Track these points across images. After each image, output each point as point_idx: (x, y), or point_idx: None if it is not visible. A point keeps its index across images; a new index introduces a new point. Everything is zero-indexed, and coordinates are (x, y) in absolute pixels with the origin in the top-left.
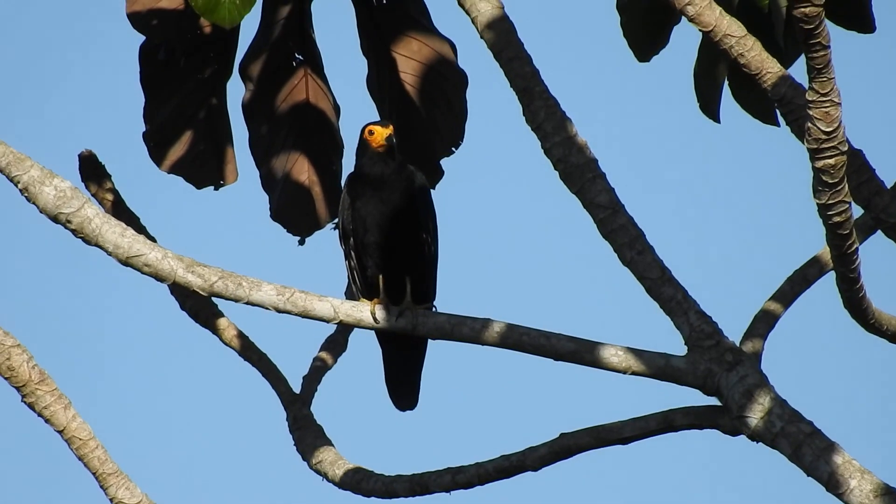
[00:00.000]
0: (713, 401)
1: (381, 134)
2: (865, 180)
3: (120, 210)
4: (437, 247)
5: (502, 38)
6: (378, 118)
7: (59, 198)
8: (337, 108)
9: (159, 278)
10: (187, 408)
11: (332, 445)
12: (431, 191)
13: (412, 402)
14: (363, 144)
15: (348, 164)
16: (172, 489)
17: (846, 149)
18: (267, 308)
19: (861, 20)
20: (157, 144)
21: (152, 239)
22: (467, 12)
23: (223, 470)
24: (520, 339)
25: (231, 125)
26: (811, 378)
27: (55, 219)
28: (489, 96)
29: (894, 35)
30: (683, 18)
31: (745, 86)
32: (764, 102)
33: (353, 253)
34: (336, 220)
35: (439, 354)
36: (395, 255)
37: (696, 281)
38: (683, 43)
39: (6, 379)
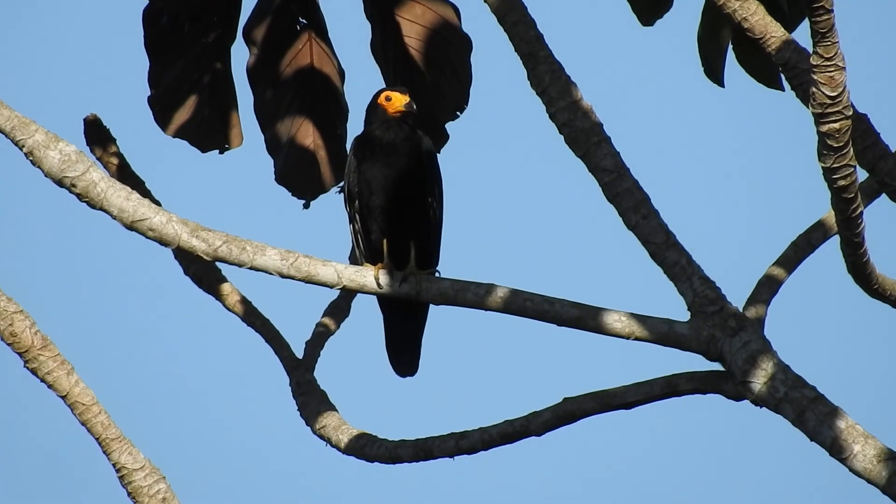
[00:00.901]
0: (716, 366)
1: (400, 101)
2: (870, 144)
3: (125, 174)
4: (441, 212)
5: (506, 1)
6: (383, 82)
7: (64, 162)
8: (341, 73)
9: (164, 242)
10: (190, 373)
11: (336, 411)
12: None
13: (413, 368)
14: (375, 108)
15: (353, 128)
16: (175, 454)
17: (851, 113)
18: (271, 273)
19: None
20: (162, 108)
21: (157, 203)
22: None
23: (226, 435)
24: (523, 304)
25: (236, 89)
26: (814, 343)
27: (60, 182)
28: (493, 61)
29: None
30: None
31: (749, 50)
32: (768, 67)
33: (357, 216)
34: (341, 184)
35: (443, 320)
36: (400, 220)
37: (700, 246)
38: (687, 7)
39: (9, 345)
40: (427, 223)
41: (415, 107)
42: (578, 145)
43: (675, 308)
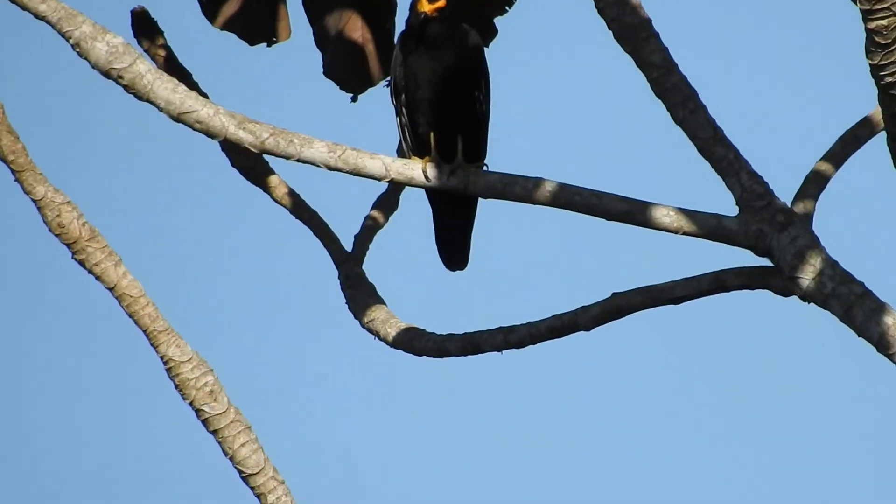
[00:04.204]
0: (765, 261)
1: (424, 7)
2: None
3: (172, 66)
4: (489, 105)
5: None
6: None
7: (112, 53)
8: None
9: (210, 135)
10: (238, 266)
11: (384, 304)
12: (485, 49)
13: (462, 262)
14: (413, 7)
15: (401, 22)
16: (223, 348)
17: None
18: (318, 166)
19: None
20: (209, 1)
21: (204, 96)
22: None
23: (274, 328)
24: (571, 198)
25: None
26: (862, 239)
27: (107, 74)
28: None
29: None
30: None
31: None
32: None
33: (404, 110)
34: (388, 78)
35: (491, 214)
36: (447, 113)
37: (748, 141)
38: None
39: (56, 236)
40: (474, 117)
41: (444, 7)
42: (627, 40)
43: (723, 204)
